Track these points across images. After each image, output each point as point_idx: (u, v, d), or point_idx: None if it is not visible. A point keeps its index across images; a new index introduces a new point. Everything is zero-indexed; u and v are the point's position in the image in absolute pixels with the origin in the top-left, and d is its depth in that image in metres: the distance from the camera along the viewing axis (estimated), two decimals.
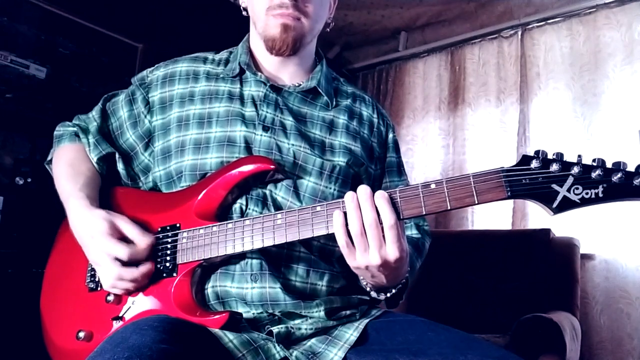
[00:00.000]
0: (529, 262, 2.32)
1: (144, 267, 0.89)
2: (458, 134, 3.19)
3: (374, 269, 0.82)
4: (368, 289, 0.94)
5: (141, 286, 0.91)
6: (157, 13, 2.55)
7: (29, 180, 1.99)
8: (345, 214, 0.81)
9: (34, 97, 2.07)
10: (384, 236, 0.79)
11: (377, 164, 1.13)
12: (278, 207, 0.95)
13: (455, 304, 2.39)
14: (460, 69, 3.27)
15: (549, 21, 2.91)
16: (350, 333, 0.89)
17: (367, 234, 0.79)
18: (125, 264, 0.89)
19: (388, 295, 0.94)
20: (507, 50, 3.05)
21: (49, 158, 1.14)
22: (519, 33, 3.00)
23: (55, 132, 1.14)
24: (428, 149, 3.33)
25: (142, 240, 0.91)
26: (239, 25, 1.19)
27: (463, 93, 3.21)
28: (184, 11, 2.66)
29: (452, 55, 3.32)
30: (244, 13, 1.11)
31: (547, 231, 2.39)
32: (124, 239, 0.91)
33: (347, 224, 0.80)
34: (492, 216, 2.94)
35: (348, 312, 0.96)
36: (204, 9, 2.75)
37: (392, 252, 0.79)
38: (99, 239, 0.90)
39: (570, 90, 2.77)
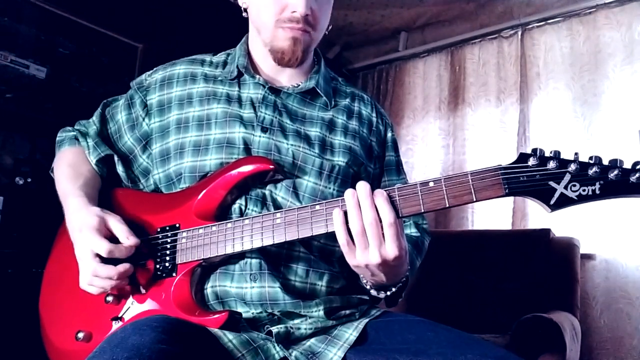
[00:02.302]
0: (529, 262, 2.32)
1: (121, 267, 0.88)
2: (458, 134, 3.19)
3: (373, 268, 0.82)
4: (368, 287, 0.94)
5: (118, 285, 0.89)
6: (157, 13, 2.55)
7: (29, 180, 1.99)
8: (345, 212, 0.81)
9: (34, 97, 2.07)
10: (383, 234, 0.79)
11: (376, 163, 1.13)
12: (278, 207, 0.96)
13: (455, 304, 2.39)
14: (460, 69, 3.27)
15: (549, 21, 2.91)
16: (350, 333, 0.89)
17: (367, 232, 0.79)
18: (106, 261, 0.88)
19: (388, 293, 0.94)
20: (507, 50, 3.05)
21: (52, 166, 1.14)
22: (519, 33, 3.00)
23: (57, 138, 1.15)
24: (428, 149, 3.33)
25: (125, 241, 0.90)
26: (239, 25, 1.19)
27: (463, 93, 3.21)
28: (184, 11, 2.66)
29: (452, 55, 3.32)
30: (244, 14, 1.11)
31: (547, 231, 2.39)
32: (113, 237, 0.91)
33: (347, 222, 0.81)
34: (492, 216, 2.94)
35: (347, 311, 0.96)
36: (204, 9, 2.76)
37: (391, 251, 0.79)
38: (85, 233, 0.89)
39: (570, 90, 2.77)
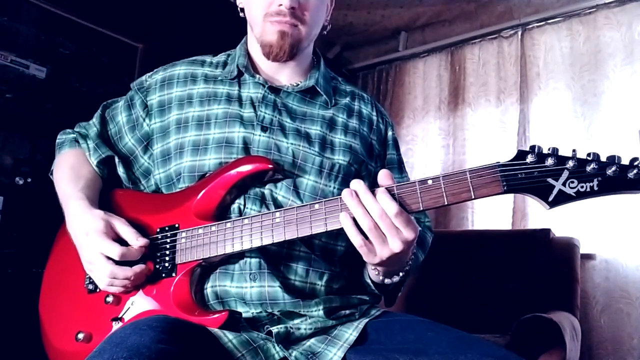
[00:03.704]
0: (529, 262, 2.31)
1: (138, 267, 0.90)
2: (458, 134, 3.19)
3: (396, 256, 0.82)
4: (381, 277, 0.93)
5: (134, 286, 0.91)
6: (157, 13, 2.55)
7: (29, 180, 1.99)
8: (349, 214, 0.81)
9: (34, 97, 2.07)
10: (394, 225, 0.79)
11: (377, 162, 1.13)
12: (279, 206, 0.96)
13: (455, 304, 2.38)
14: (460, 69, 3.27)
15: (549, 21, 2.90)
16: (350, 333, 0.89)
17: (380, 225, 0.79)
18: (118, 263, 0.89)
19: (401, 274, 0.93)
20: (507, 50, 3.05)
21: (52, 168, 1.14)
22: (519, 33, 3.00)
23: (56, 141, 1.15)
24: (428, 149, 3.33)
25: (136, 242, 0.91)
26: (239, 25, 1.20)
27: (463, 93, 3.21)
28: (184, 11, 2.66)
29: (452, 55, 3.32)
30: (241, 14, 1.12)
31: (547, 231, 2.38)
32: (119, 240, 0.91)
33: (356, 223, 0.80)
34: (492, 216, 2.94)
35: (347, 311, 0.96)
36: (204, 9, 2.76)
37: (409, 234, 0.80)
38: (93, 237, 0.90)
39: (570, 90, 2.76)
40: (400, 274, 0.93)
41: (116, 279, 0.89)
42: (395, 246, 0.80)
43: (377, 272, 0.93)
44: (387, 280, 0.94)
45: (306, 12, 1.02)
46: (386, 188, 0.81)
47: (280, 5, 0.99)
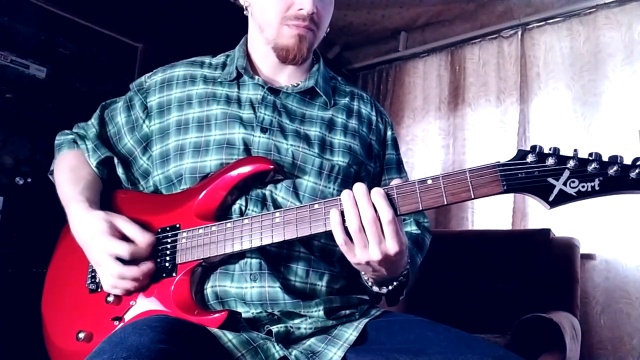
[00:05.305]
0: (529, 262, 2.31)
1: (145, 266, 0.90)
2: (458, 134, 3.19)
3: (374, 264, 0.82)
4: (370, 283, 0.94)
5: (142, 285, 0.91)
6: (157, 13, 2.55)
7: (29, 180, 1.99)
8: (341, 212, 0.81)
9: (34, 97, 2.07)
10: (382, 232, 0.79)
11: (376, 162, 1.13)
12: (278, 207, 0.96)
13: (455, 304, 2.38)
14: (460, 69, 3.27)
15: (549, 21, 2.91)
16: (350, 332, 0.89)
17: (366, 230, 0.79)
18: (126, 262, 0.89)
19: (390, 287, 0.93)
20: (507, 50, 3.05)
21: (51, 168, 1.14)
22: (519, 33, 3.00)
23: (55, 142, 1.15)
24: (428, 149, 3.33)
25: (142, 239, 0.91)
26: (239, 25, 1.20)
27: (463, 93, 3.21)
28: (184, 11, 2.66)
29: (452, 55, 3.32)
30: (245, 12, 1.11)
31: (547, 231, 2.38)
32: (124, 238, 0.91)
33: (344, 222, 0.80)
34: (492, 216, 2.94)
35: (347, 311, 0.96)
36: (204, 9, 2.76)
37: (392, 247, 0.79)
38: (99, 239, 0.90)
39: (570, 90, 2.76)
40: (390, 287, 0.93)
41: (124, 280, 0.89)
42: (374, 254, 0.79)
43: (366, 278, 0.93)
44: (375, 288, 0.94)
45: (322, 17, 1.03)
46: (385, 191, 0.81)
47: (301, 9, 0.98)
